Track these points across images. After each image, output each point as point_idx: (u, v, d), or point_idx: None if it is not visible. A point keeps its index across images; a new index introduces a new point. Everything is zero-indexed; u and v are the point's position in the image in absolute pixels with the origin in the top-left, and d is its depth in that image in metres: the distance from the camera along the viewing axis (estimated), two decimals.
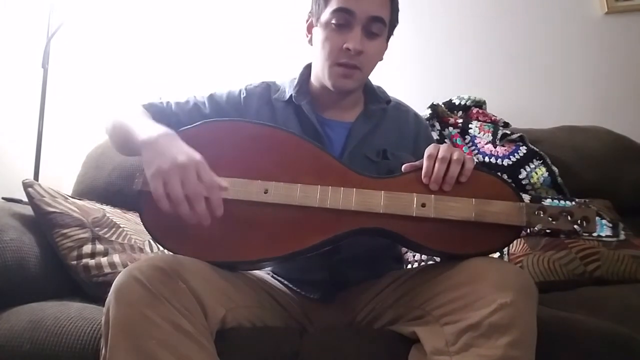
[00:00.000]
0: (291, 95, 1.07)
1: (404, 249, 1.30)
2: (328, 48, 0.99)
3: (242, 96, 1.09)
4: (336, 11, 0.97)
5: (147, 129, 0.84)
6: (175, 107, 1.03)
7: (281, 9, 2.02)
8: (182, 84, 2.03)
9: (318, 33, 1.02)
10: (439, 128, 1.66)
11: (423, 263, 1.33)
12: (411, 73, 1.96)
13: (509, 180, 1.31)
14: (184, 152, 0.78)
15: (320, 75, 1.04)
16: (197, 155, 0.79)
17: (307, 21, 1.08)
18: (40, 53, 1.72)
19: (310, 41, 1.07)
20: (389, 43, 1.08)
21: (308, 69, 1.12)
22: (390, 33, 1.06)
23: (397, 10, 1.04)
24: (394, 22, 1.05)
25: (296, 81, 1.09)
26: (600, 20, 1.91)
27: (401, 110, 1.16)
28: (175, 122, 0.96)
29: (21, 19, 1.80)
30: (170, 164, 0.76)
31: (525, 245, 1.31)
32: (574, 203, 1.45)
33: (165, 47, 2.07)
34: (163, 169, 0.76)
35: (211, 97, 1.07)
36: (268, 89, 1.11)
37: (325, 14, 0.99)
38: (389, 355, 0.82)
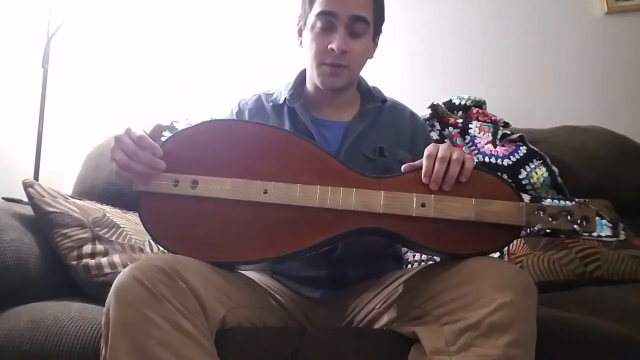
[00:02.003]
0: (285, 98, 1.09)
1: (404, 249, 1.30)
2: (314, 49, 1.03)
3: (234, 111, 1.14)
4: (319, 14, 1.00)
5: None
6: None
7: (283, 12, 2.02)
8: (182, 84, 2.03)
9: (306, 36, 1.05)
10: (439, 128, 1.66)
11: (423, 263, 1.33)
12: (411, 73, 1.96)
13: (509, 180, 1.31)
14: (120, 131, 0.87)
15: (310, 76, 1.07)
16: (129, 127, 0.87)
17: (297, 25, 1.11)
18: (40, 53, 1.72)
19: (301, 44, 1.10)
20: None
21: (303, 73, 1.14)
22: (378, 31, 1.08)
23: (382, 8, 1.06)
24: (379, 20, 1.07)
25: (291, 85, 1.12)
26: (600, 20, 1.91)
27: (398, 109, 1.17)
28: None
29: (21, 19, 1.80)
30: (111, 146, 0.87)
31: (525, 245, 1.31)
32: (573, 203, 1.45)
33: (165, 46, 2.07)
34: (111, 149, 0.86)
35: None
36: (260, 100, 1.15)
37: (311, 18, 1.03)
38: (389, 355, 0.82)
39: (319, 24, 1.01)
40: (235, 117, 1.13)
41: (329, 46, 1.00)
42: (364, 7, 1.01)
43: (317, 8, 1.01)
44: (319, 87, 1.06)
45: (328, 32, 1.01)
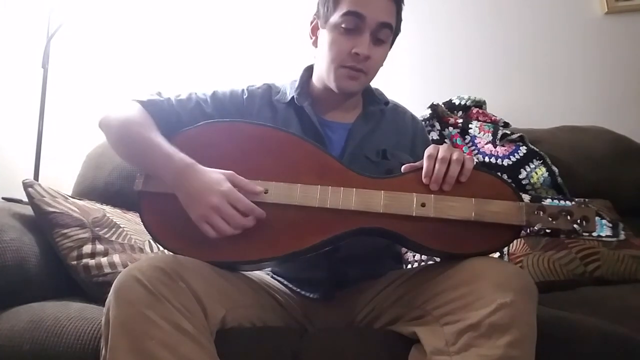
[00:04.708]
0: (293, 97, 1.07)
1: (404, 249, 1.30)
2: (335, 51, 0.99)
3: (244, 96, 1.08)
4: (346, 14, 0.96)
5: (166, 162, 0.86)
6: (177, 104, 1.00)
7: (282, 9, 2.02)
8: (182, 84, 2.03)
9: (325, 35, 1.01)
10: (439, 128, 1.66)
11: (423, 263, 1.33)
12: (411, 73, 1.96)
13: (509, 180, 1.31)
14: (212, 190, 0.81)
15: (324, 76, 1.04)
16: (223, 186, 0.82)
17: (311, 23, 1.07)
18: (40, 53, 1.72)
19: (314, 43, 1.07)
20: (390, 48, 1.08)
21: (308, 71, 1.12)
22: (394, 40, 1.07)
23: (401, 19, 1.04)
24: (397, 30, 1.05)
25: (297, 83, 1.09)
26: (600, 20, 1.91)
27: (399, 111, 1.17)
28: (176, 121, 0.96)
29: (21, 19, 1.80)
30: (205, 209, 0.81)
31: (525, 245, 1.31)
32: (573, 203, 1.45)
33: (165, 46, 2.07)
34: (203, 214, 0.81)
35: (214, 95, 1.06)
36: (269, 90, 1.11)
37: (335, 17, 0.98)
38: (389, 355, 0.82)
39: (343, 25, 0.97)
40: (245, 102, 1.07)
41: (353, 50, 0.96)
42: (390, 14, 0.99)
43: (344, 7, 0.97)
44: (330, 89, 1.03)
45: (352, 34, 0.97)
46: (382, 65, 1.06)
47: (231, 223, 0.81)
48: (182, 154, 0.86)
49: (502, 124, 1.68)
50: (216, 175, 0.83)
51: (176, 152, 0.86)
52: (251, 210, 0.82)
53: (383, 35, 0.99)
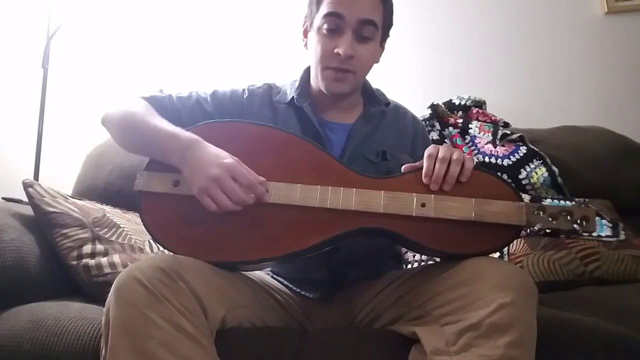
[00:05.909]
0: (293, 97, 1.07)
1: (404, 249, 1.30)
2: (320, 53, 1.00)
3: (244, 96, 1.09)
4: (327, 16, 0.98)
5: (173, 142, 0.86)
6: (177, 101, 1.02)
7: (282, 9, 2.02)
8: (182, 84, 2.02)
9: (312, 38, 1.03)
10: (439, 128, 1.66)
11: (423, 263, 1.33)
12: (411, 73, 1.96)
13: (509, 180, 1.31)
14: (214, 163, 0.81)
15: (315, 79, 1.05)
16: (226, 160, 0.82)
17: (303, 25, 1.09)
18: (40, 53, 1.72)
19: (306, 45, 1.08)
20: (387, 45, 1.08)
21: (308, 71, 1.12)
22: (385, 35, 1.06)
23: (391, 12, 1.04)
24: (387, 24, 1.05)
25: (297, 83, 1.09)
26: (600, 20, 1.91)
27: (399, 112, 1.16)
28: (176, 118, 0.96)
29: (21, 19, 1.80)
30: (206, 180, 0.81)
31: (525, 245, 1.31)
32: (573, 203, 1.45)
33: (165, 47, 2.07)
34: (203, 186, 0.81)
35: (214, 94, 1.07)
36: (269, 90, 1.11)
37: (317, 19, 1.00)
38: (389, 355, 0.82)
39: (325, 26, 0.98)
40: (245, 102, 1.07)
41: (335, 50, 0.97)
42: (373, 10, 0.99)
43: (324, 9, 0.98)
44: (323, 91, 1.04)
45: (335, 34, 0.98)
46: (375, 62, 1.06)
47: (232, 197, 0.80)
48: (189, 132, 0.87)
49: (502, 124, 1.68)
50: (221, 152, 0.84)
51: (182, 131, 0.88)
52: (253, 185, 0.82)
53: (367, 32, 0.99)
